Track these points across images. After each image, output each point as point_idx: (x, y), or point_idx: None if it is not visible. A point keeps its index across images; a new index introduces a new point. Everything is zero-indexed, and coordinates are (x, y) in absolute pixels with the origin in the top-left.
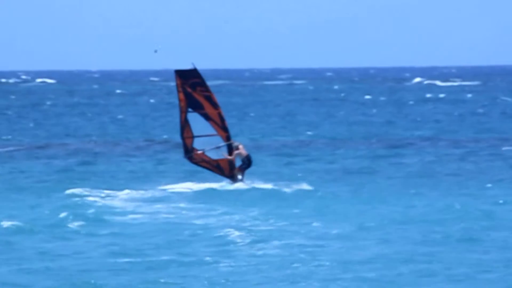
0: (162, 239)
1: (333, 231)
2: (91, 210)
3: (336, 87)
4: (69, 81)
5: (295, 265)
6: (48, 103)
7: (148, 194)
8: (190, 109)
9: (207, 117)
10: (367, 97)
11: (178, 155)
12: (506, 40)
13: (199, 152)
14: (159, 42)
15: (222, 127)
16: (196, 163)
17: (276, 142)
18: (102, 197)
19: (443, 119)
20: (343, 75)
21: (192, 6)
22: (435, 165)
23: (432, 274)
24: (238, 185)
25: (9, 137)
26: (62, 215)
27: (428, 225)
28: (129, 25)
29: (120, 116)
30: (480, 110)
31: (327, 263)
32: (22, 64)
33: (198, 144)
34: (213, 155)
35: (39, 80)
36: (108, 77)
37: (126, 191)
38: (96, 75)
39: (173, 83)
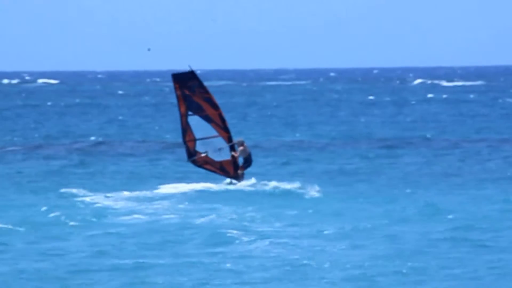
0: (159, 239)
1: (332, 231)
2: (87, 210)
3: (338, 87)
4: (72, 82)
5: (293, 264)
6: (49, 103)
7: (146, 194)
8: (190, 112)
9: (208, 119)
10: (371, 97)
11: (177, 155)
12: (511, 40)
13: (202, 154)
14: (165, 43)
15: (224, 128)
16: (200, 166)
17: (276, 142)
18: (99, 197)
19: (444, 119)
20: (347, 75)
21: (196, 7)
22: (433, 165)
23: (429, 274)
24: (237, 186)
25: (8, 137)
26: (56, 215)
27: (425, 225)
28: (135, 26)
29: (120, 117)
30: (481, 110)
31: (327, 263)
32: (26, 65)
33: (200, 146)
34: (216, 157)
35: (41, 80)
36: (112, 78)
37: (123, 191)
38: (100, 76)
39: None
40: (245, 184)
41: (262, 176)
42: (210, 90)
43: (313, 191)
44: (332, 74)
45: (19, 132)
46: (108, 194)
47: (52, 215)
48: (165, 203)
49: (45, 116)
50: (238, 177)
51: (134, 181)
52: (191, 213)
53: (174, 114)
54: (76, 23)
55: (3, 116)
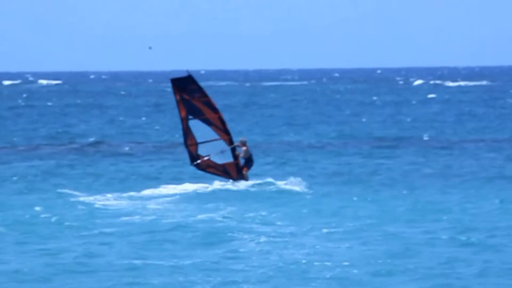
0: (157, 239)
1: (331, 230)
2: (84, 211)
3: (340, 87)
4: (75, 82)
5: (293, 264)
6: (49, 103)
7: (145, 194)
8: (190, 116)
9: (208, 122)
10: (374, 98)
11: (176, 155)
12: None
13: (205, 158)
14: (169, 43)
15: (224, 131)
16: (204, 170)
17: (275, 142)
18: (96, 198)
19: (443, 119)
20: (350, 76)
21: (199, 8)
22: (431, 165)
23: (426, 272)
24: (236, 186)
25: (6, 137)
26: (51, 215)
27: (422, 224)
28: (139, 27)
29: (121, 118)
30: (481, 110)
31: (326, 262)
32: (29, 66)
33: (202, 150)
34: (219, 160)
35: (44, 81)
36: (115, 78)
37: (122, 191)
38: (104, 77)
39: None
40: (244, 184)
41: (262, 176)
42: (212, 90)
43: (313, 191)
44: (336, 74)
45: (19, 132)
46: (106, 195)
47: (47, 215)
48: (165, 203)
49: (45, 117)
50: (243, 178)
51: (133, 181)
52: (190, 213)
53: (175, 114)
54: (80, 24)
55: (3, 116)
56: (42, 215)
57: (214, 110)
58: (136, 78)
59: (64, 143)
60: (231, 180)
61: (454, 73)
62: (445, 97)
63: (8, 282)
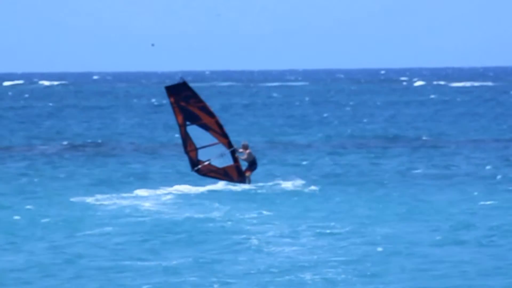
0: (157, 239)
1: (331, 230)
2: (78, 212)
3: (342, 88)
4: (78, 83)
5: (293, 264)
6: (51, 104)
7: (144, 194)
8: (188, 122)
9: (206, 127)
10: (374, 98)
11: (176, 156)
12: None
13: (205, 163)
14: (173, 44)
15: (222, 134)
16: (205, 175)
17: (275, 143)
18: (91, 198)
19: (440, 120)
20: (354, 77)
21: (205, 8)
22: (426, 165)
23: (419, 272)
24: (236, 187)
25: (3, 138)
26: (40, 215)
27: (416, 224)
28: (144, 28)
29: (121, 118)
30: (478, 110)
31: (326, 262)
32: (36, 67)
33: (202, 155)
34: (219, 164)
35: (46, 82)
36: (119, 79)
37: (120, 192)
38: (108, 77)
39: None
40: (244, 185)
41: (260, 177)
42: (214, 91)
43: (311, 191)
44: (340, 75)
45: (21, 132)
46: (102, 195)
47: (38, 215)
48: (161, 204)
49: (45, 117)
50: (245, 181)
51: (130, 181)
52: (188, 214)
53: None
54: (86, 25)
55: (2, 116)
56: (32, 216)
57: (211, 114)
58: (141, 79)
59: (60, 144)
60: (242, 184)
61: (458, 74)
62: (445, 98)
63: None
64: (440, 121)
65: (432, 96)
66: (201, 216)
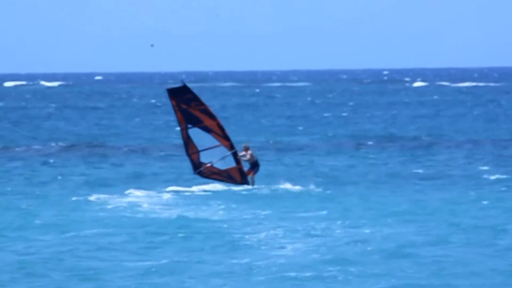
0: (157, 240)
1: (328, 231)
2: (70, 211)
3: (345, 89)
4: (79, 84)
5: (293, 263)
6: (53, 105)
7: (144, 195)
8: (189, 125)
9: (207, 129)
10: (374, 99)
11: (177, 157)
12: None
13: (207, 165)
14: (176, 44)
15: (224, 137)
16: (207, 177)
17: (277, 143)
18: (83, 198)
19: (439, 120)
20: (357, 77)
21: (208, 8)
22: (420, 165)
23: (419, 271)
24: (237, 188)
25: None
26: (32, 215)
27: (412, 225)
28: (147, 28)
29: (120, 119)
30: (479, 111)
31: (328, 262)
32: (40, 68)
33: (204, 157)
34: (222, 166)
35: (47, 83)
36: (121, 80)
37: (119, 192)
38: (112, 78)
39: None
40: (243, 186)
41: (261, 177)
42: (215, 91)
43: (311, 191)
44: (343, 76)
45: (20, 133)
46: (100, 196)
47: (35, 215)
48: (163, 204)
49: (44, 118)
50: (248, 183)
51: (130, 182)
52: (188, 214)
53: (172, 115)
54: (89, 26)
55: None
56: (30, 216)
57: (212, 117)
58: (143, 79)
59: (58, 144)
60: (245, 186)
61: (462, 74)
62: (446, 98)
63: None
64: (440, 121)
65: (433, 97)
66: (199, 216)
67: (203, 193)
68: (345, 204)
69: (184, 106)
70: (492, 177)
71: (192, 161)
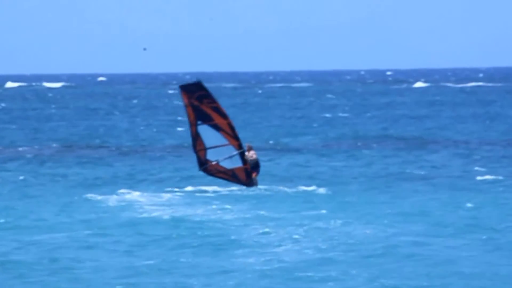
0: (148, 241)
1: (328, 231)
2: (68, 211)
3: (347, 89)
4: (81, 85)
5: (293, 264)
6: (53, 106)
7: (146, 196)
8: (199, 122)
9: (217, 127)
10: (378, 99)
11: (177, 157)
12: None
13: (213, 163)
14: (183, 46)
15: (233, 136)
16: (212, 175)
17: (277, 143)
18: (80, 199)
19: (443, 121)
20: (360, 78)
21: (213, 10)
22: (417, 166)
23: (416, 271)
24: (238, 189)
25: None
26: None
27: (408, 225)
28: (152, 29)
29: (121, 119)
30: (479, 112)
31: (328, 262)
32: (44, 69)
33: (211, 155)
34: (228, 165)
35: (48, 84)
36: (122, 81)
37: (119, 192)
38: (115, 79)
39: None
40: (244, 187)
41: (260, 177)
42: (218, 92)
43: (310, 191)
44: (347, 77)
45: (19, 133)
46: (101, 195)
47: (33, 215)
48: (162, 204)
49: (44, 118)
50: (253, 184)
51: (129, 182)
52: (186, 214)
53: (171, 114)
54: (95, 27)
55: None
56: (27, 215)
57: (224, 116)
58: (147, 80)
59: (57, 144)
60: (249, 186)
61: (466, 74)
62: (446, 98)
63: None
64: (440, 122)
65: (435, 97)
66: (198, 216)
67: (199, 193)
68: (344, 204)
69: (196, 103)
70: (489, 178)
71: (198, 157)
